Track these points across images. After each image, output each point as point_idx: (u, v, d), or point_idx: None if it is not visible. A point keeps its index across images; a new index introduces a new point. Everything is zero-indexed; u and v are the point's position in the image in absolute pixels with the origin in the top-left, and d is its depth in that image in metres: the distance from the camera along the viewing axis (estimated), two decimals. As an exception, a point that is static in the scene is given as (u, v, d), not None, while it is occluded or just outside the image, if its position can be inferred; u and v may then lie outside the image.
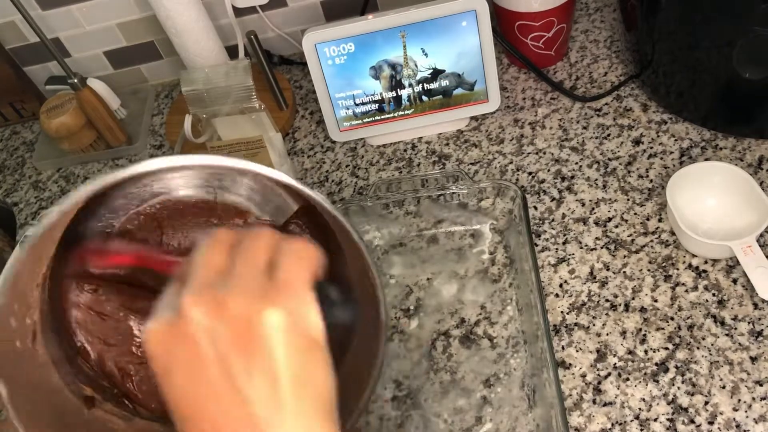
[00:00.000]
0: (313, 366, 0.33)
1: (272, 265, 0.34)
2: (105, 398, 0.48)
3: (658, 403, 0.55)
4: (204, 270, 0.34)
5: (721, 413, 0.54)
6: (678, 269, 0.62)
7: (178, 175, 0.48)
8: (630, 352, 0.58)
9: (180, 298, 0.32)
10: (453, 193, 0.68)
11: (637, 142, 0.72)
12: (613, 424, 0.55)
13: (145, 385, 0.51)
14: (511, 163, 0.74)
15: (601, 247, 0.65)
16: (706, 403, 0.54)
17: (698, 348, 0.57)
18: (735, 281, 0.60)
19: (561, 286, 0.63)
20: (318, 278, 0.35)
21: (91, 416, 0.47)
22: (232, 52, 0.89)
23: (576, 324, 0.61)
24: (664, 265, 0.62)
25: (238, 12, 0.88)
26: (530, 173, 0.72)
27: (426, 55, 0.73)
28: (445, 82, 0.74)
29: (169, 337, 0.32)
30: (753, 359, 0.56)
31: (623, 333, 0.59)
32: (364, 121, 0.77)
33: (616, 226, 0.66)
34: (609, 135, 0.73)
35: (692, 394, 0.55)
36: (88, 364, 0.49)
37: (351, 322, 0.39)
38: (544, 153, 0.74)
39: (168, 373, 0.33)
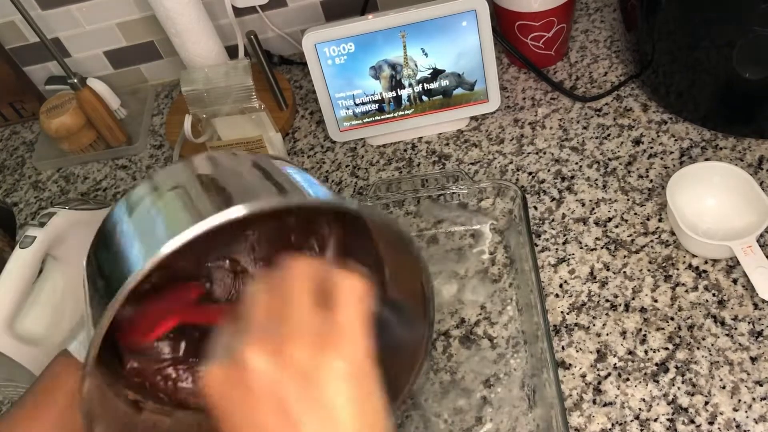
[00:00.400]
0: (369, 414, 0.34)
1: (323, 297, 0.35)
2: (144, 396, 0.48)
3: (658, 404, 0.55)
4: (256, 313, 0.35)
5: (721, 413, 0.54)
6: (678, 269, 0.62)
7: None
8: (630, 353, 0.58)
9: (237, 343, 0.33)
10: (453, 193, 0.68)
11: (637, 142, 0.72)
12: (613, 425, 0.55)
13: (168, 381, 0.50)
14: (511, 163, 0.74)
15: (601, 247, 0.65)
16: (706, 403, 0.54)
17: (698, 348, 0.57)
18: (735, 281, 0.60)
19: (561, 286, 0.63)
20: (371, 311, 0.36)
21: (144, 423, 0.47)
22: (232, 52, 0.89)
23: (576, 324, 0.61)
24: (664, 265, 0.62)
25: (238, 12, 0.88)
26: (530, 173, 0.72)
27: (426, 55, 0.73)
28: (445, 82, 0.74)
29: (227, 381, 0.33)
30: (753, 359, 0.56)
31: (623, 333, 0.59)
32: (364, 121, 0.77)
33: (616, 226, 0.66)
34: (609, 135, 0.73)
35: (692, 395, 0.55)
36: (122, 365, 0.49)
37: (405, 339, 0.39)
38: (544, 153, 0.74)
39: (226, 415, 0.34)
